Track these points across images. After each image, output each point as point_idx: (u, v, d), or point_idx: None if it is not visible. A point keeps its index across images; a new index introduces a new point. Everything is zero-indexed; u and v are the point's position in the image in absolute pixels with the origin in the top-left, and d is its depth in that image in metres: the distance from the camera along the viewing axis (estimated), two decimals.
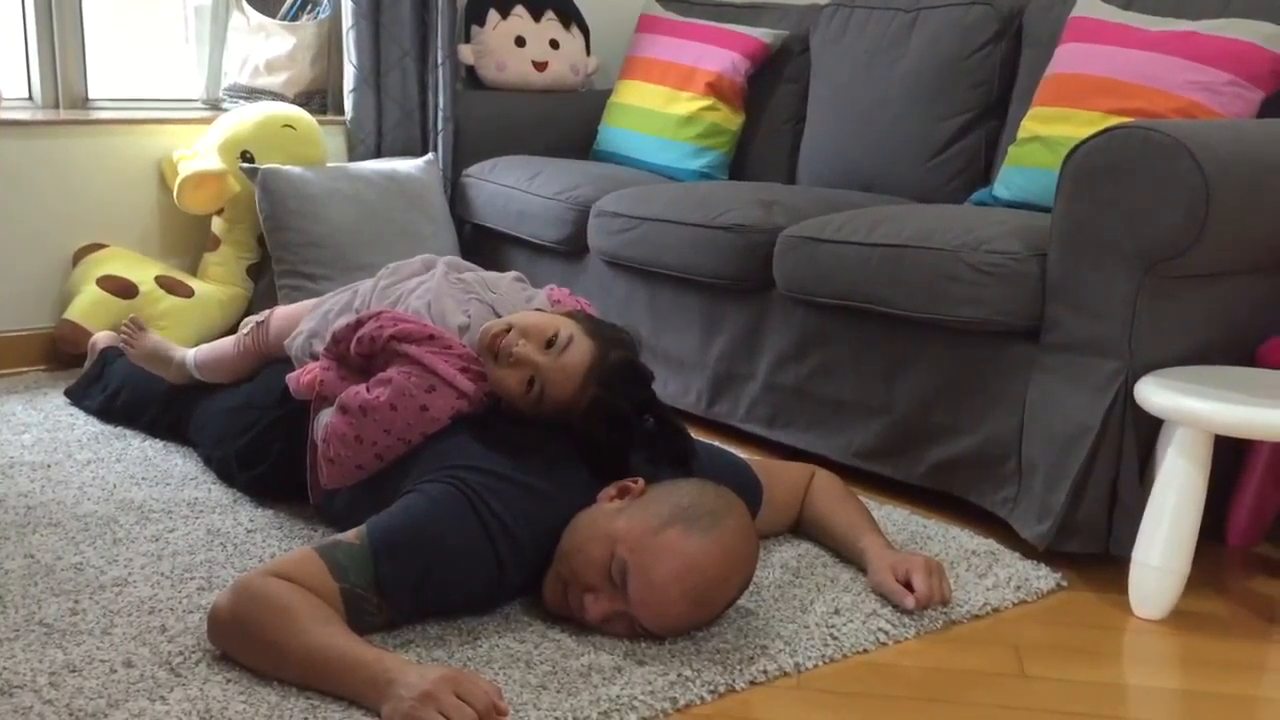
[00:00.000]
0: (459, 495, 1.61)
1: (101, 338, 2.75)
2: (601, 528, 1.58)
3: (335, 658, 1.42)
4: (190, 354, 2.28)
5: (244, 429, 2.08)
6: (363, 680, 1.40)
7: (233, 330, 2.67)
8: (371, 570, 1.54)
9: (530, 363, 1.73)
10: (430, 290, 1.96)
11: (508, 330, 1.76)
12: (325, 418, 1.81)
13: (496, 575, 1.62)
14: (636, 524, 1.55)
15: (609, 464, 1.72)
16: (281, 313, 2.15)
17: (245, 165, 3.04)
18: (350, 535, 1.58)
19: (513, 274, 2.09)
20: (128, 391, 2.47)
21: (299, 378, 1.90)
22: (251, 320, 2.18)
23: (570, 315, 1.84)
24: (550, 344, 1.73)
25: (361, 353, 1.83)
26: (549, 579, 1.64)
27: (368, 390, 1.78)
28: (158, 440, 2.39)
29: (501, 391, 1.78)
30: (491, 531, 1.60)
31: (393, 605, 1.57)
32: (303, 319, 2.06)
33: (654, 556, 1.53)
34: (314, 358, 1.95)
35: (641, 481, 1.66)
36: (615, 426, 1.72)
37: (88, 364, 2.71)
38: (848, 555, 1.89)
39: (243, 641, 1.49)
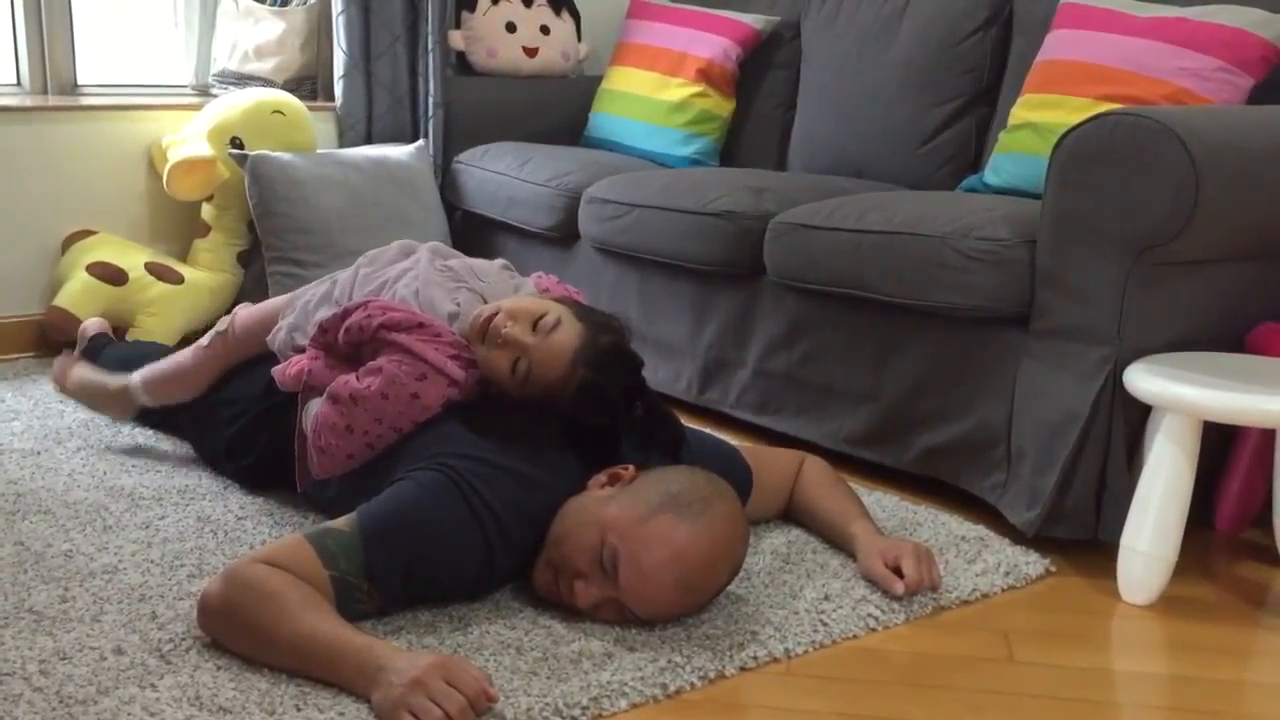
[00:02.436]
0: (448, 483, 1.61)
1: (91, 324, 2.75)
2: (592, 514, 1.58)
3: (325, 644, 1.42)
4: (132, 378, 2.19)
5: (231, 420, 2.08)
6: (352, 667, 1.40)
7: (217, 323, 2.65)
8: (361, 557, 1.54)
9: (518, 344, 1.73)
10: (418, 278, 1.95)
11: (496, 313, 1.77)
12: (314, 408, 1.81)
13: (486, 562, 1.62)
14: (626, 511, 1.55)
15: (598, 449, 1.72)
16: (246, 313, 2.10)
17: (235, 152, 3.03)
18: (340, 523, 1.58)
19: (500, 261, 2.09)
20: None
21: (285, 370, 1.89)
22: (211, 332, 2.13)
23: (561, 301, 1.84)
24: (538, 325, 1.74)
25: (350, 342, 1.83)
26: (539, 565, 1.64)
27: (358, 379, 1.77)
28: (148, 428, 2.39)
29: (490, 374, 1.78)
30: (481, 518, 1.60)
31: (383, 592, 1.57)
32: (281, 313, 2.04)
33: (644, 544, 1.53)
34: (297, 351, 1.94)
35: (632, 468, 1.67)
36: (604, 410, 1.72)
37: (77, 350, 2.70)
38: (837, 541, 1.89)
39: (233, 628, 1.49)
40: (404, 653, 1.41)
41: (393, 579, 1.57)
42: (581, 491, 1.66)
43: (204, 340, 2.13)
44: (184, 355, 2.15)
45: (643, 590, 1.54)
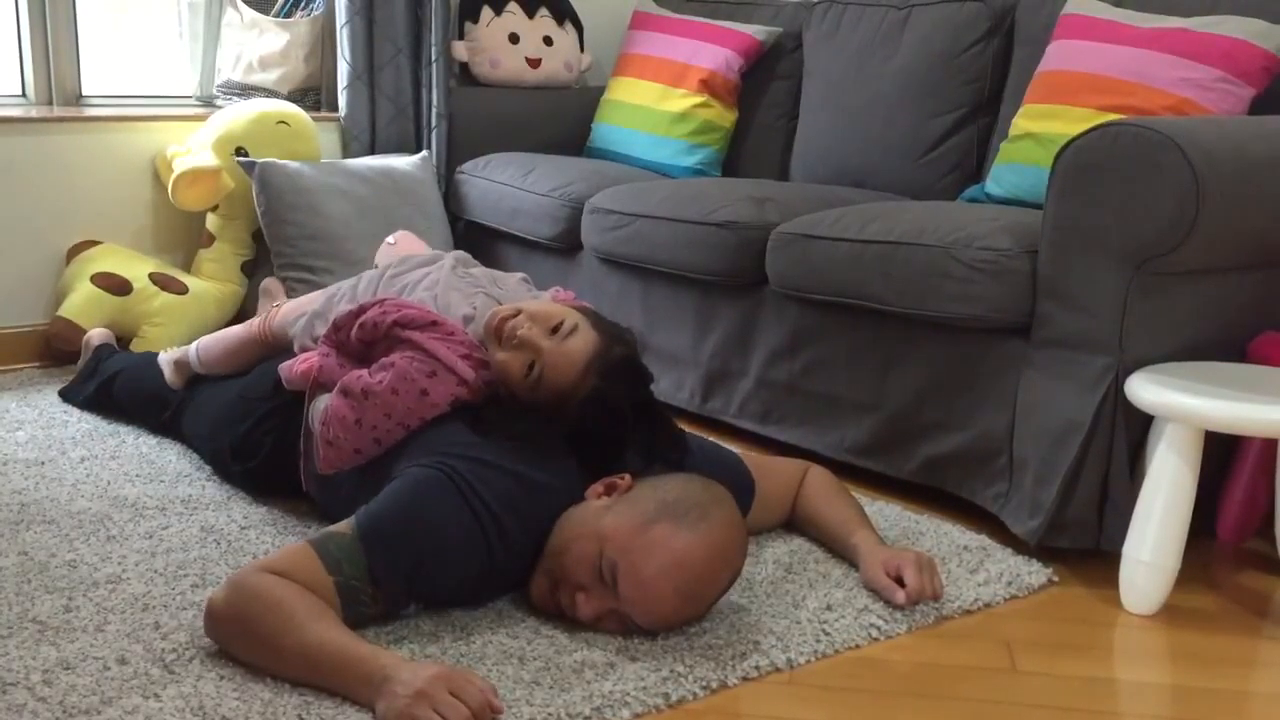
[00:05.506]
0: (446, 481, 1.62)
1: (96, 334, 2.76)
2: (589, 525, 1.58)
3: (330, 654, 1.43)
4: (191, 346, 2.30)
5: (239, 419, 2.08)
6: (358, 677, 1.40)
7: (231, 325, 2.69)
8: (364, 561, 1.54)
9: (533, 346, 1.73)
10: (438, 283, 1.97)
11: (516, 314, 1.77)
12: (323, 402, 1.81)
13: (488, 561, 1.62)
14: (624, 521, 1.56)
15: (600, 457, 1.72)
16: (289, 305, 2.17)
17: (243, 159, 3.03)
18: (341, 526, 1.59)
19: (520, 275, 2.10)
20: (122, 382, 2.49)
21: (292, 367, 1.90)
22: (269, 307, 2.21)
23: (579, 309, 1.84)
24: (556, 330, 1.74)
25: (363, 339, 1.84)
26: (536, 577, 1.64)
27: (370, 374, 1.78)
28: (152, 437, 2.39)
29: (501, 376, 1.78)
30: (480, 517, 1.61)
31: (386, 595, 1.58)
32: (310, 305, 2.08)
33: (642, 554, 1.53)
34: (315, 341, 1.96)
35: (628, 477, 1.67)
36: (611, 420, 1.72)
37: (81, 361, 2.71)
38: (840, 550, 1.90)
39: (238, 637, 1.49)
40: (409, 663, 1.42)
41: (396, 581, 1.57)
42: (579, 501, 1.66)
43: (253, 320, 2.22)
44: (234, 330, 2.25)
45: (643, 600, 1.55)
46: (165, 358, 2.36)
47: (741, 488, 1.84)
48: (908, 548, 1.89)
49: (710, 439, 2.03)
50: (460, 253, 2.13)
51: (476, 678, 1.39)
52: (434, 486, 1.61)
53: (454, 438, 1.72)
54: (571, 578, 1.59)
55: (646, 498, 1.59)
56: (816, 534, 1.96)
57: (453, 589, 1.64)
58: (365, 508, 1.61)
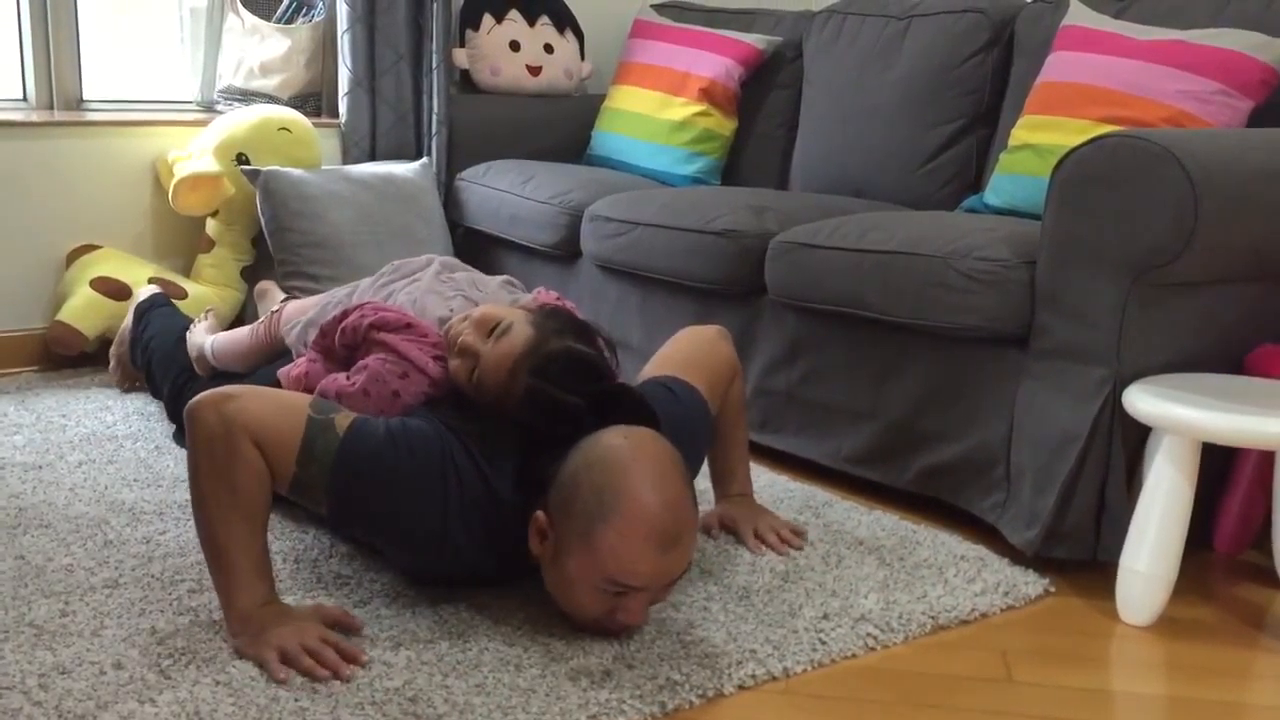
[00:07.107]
0: (436, 440, 1.63)
1: (142, 293, 2.81)
2: (568, 583, 1.58)
3: (229, 563, 1.55)
4: (207, 343, 2.32)
5: None
6: (236, 597, 1.55)
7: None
8: (328, 477, 1.57)
9: (472, 351, 1.73)
10: (419, 287, 1.99)
11: (465, 321, 1.78)
12: None
13: (439, 533, 1.62)
14: (578, 551, 1.54)
15: (554, 451, 1.66)
16: (294, 305, 2.18)
17: (246, 168, 3.04)
18: (341, 422, 1.60)
19: (503, 277, 2.10)
20: (156, 357, 2.54)
21: (288, 373, 1.91)
22: (267, 309, 2.22)
23: (531, 308, 1.80)
24: (492, 333, 1.73)
25: (345, 344, 1.86)
26: (582, 626, 1.65)
27: (347, 378, 1.80)
28: (150, 442, 2.40)
29: (455, 383, 1.78)
30: (448, 489, 1.61)
31: (331, 514, 1.63)
32: (308, 310, 2.10)
33: (613, 554, 1.51)
34: (307, 346, 1.97)
35: (539, 513, 1.60)
36: (554, 418, 1.65)
37: (134, 303, 2.79)
38: (715, 481, 2.09)
39: (197, 461, 1.56)
40: (281, 622, 1.55)
41: (343, 513, 1.62)
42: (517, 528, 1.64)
43: (259, 321, 2.23)
44: (244, 330, 2.27)
45: (652, 574, 1.54)
46: (193, 345, 2.36)
47: (698, 444, 1.89)
48: (764, 509, 2.06)
49: (679, 382, 1.93)
50: (447, 258, 2.12)
51: (341, 643, 1.53)
52: (424, 442, 1.62)
53: (452, 412, 1.73)
54: (605, 618, 1.59)
55: (569, 517, 1.55)
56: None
57: (398, 547, 1.70)
58: (360, 433, 1.60)
